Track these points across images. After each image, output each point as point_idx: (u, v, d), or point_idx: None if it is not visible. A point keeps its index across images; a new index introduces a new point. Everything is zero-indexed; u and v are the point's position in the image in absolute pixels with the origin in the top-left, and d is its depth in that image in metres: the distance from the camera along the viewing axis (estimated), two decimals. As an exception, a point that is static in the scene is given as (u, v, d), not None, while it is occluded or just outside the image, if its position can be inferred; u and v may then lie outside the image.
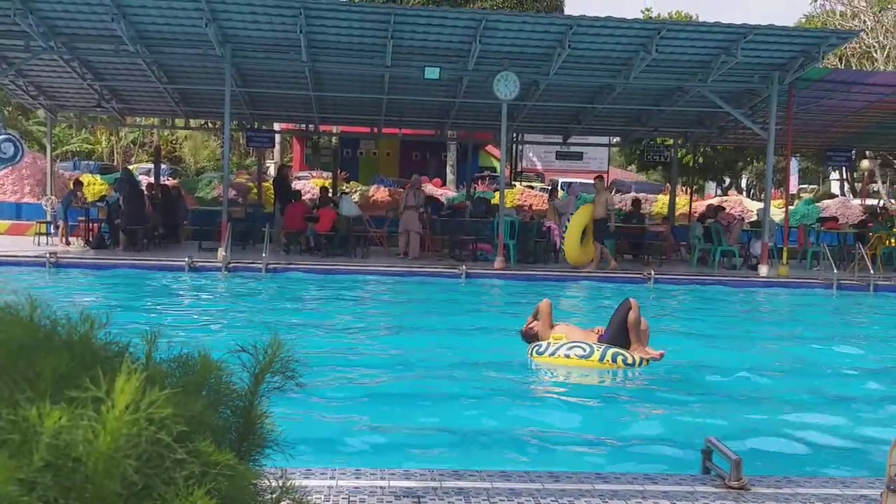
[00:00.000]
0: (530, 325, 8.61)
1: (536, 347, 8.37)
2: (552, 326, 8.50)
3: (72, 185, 20.69)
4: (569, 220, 18.12)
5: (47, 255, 15.36)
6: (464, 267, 16.04)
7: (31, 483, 1.10)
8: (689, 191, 29.10)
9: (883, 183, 37.64)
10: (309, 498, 1.67)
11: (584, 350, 8.09)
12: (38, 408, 1.14)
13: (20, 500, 1.06)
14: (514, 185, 28.94)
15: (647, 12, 42.14)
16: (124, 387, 1.17)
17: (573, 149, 31.10)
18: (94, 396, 1.18)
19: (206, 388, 1.64)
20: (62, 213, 19.41)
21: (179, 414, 1.23)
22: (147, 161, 37.68)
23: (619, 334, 8.25)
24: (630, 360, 8.08)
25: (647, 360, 8.19)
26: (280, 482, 1.64)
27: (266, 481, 1.62)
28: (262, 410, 1.75)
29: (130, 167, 25.05)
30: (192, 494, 1.21)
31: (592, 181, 19.33)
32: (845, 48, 34.54)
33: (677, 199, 26.04)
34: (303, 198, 21.24)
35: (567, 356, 8.10)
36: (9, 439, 1.14)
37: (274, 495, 1.60)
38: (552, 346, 8.22)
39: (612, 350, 8.09)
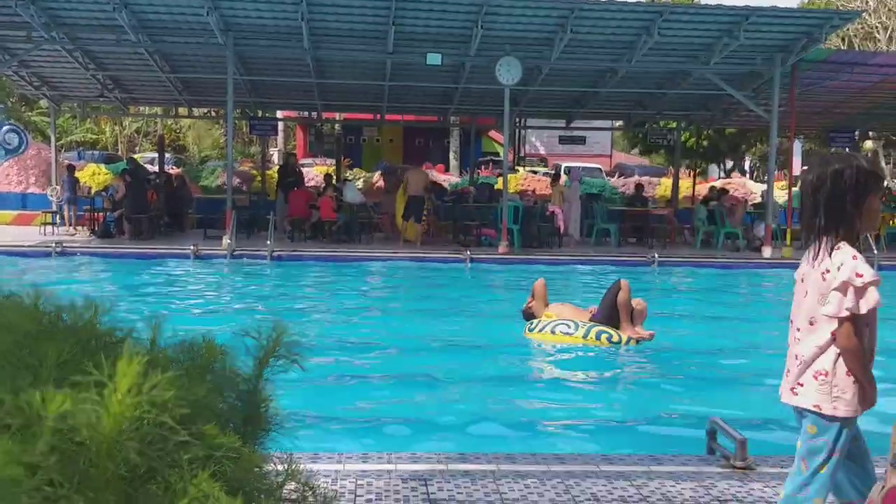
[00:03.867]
0: (529, 305, 9.03)
1: (530, 325, 8.77)
2: (547, 305, 8.90)
3: (66, 171, 20.63)
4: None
5: (53, 244, 15.42)
6: (468, 252, 16.04)
7: (34, 466, 1.11)
8: (692, 174, 29.02)
9: (886, 164, 37.49)
10: (315, 481, 1.68)
11: (569, 327, 8.40)
12: (43, 393, 1.15)
13: (24, 482, 1.07)
14: (518, 170, 28.89)
15: (649, -5, 41.92)
16: (126, 370, 1.18)
17: (576, 133, 31.06)
18: (96, 381, 1.19)
19: (210, 372, 1.65)
20: (73, 197, 19.50)
21: (183, 397, 1.24)
22: (151, 150, 37.66)
23: (610, 314, 8.50)
24: (615, 339, 8.27)
25: (636, 340, 8.31)
26: (286, 466, 1.65)
27: (272, 465, 1.63)
28: (267, 394, 1.76)
29: (134, 156, 24.98)
30: (197, 477, 1.22)
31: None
32: (848, 29, 34.32)
33: (680, 181, 25.96)
34: (306, 185, 21.22)
35: (553, 332, 8.45)
36: (12, 424, 1.15)
37: (280, 478, 1.61)
38: (542, 324, 8.61)
39: (596, 328, 8.32)
